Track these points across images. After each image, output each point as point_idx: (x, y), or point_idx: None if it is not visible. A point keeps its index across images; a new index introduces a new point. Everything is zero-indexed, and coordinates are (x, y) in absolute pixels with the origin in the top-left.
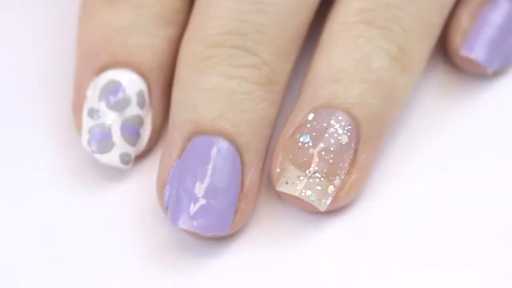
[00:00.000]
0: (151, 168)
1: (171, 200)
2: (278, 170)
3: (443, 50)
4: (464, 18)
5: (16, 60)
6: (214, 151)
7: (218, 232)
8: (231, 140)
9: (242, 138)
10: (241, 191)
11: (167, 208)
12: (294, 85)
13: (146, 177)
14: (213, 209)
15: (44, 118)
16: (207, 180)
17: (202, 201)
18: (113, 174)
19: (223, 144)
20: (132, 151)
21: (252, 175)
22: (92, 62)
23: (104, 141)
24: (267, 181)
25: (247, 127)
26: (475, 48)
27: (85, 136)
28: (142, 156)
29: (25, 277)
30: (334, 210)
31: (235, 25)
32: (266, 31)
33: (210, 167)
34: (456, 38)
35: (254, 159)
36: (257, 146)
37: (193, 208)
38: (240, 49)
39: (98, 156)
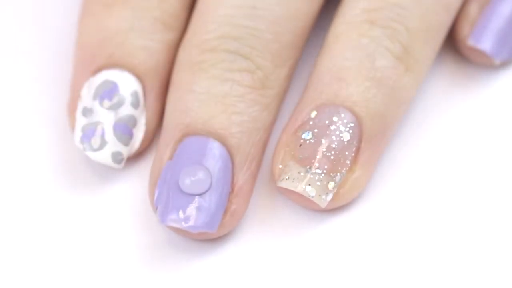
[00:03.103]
0: (145, 170)
1: (160, 198)
2: (280, 166)
3: (451, 40)
4: (472, 8)
5: (16, 60)
6: (204, 151)
7: (206, 230)
8: (222, 141)
9: (233, 139)
10: (231, 192)
11: (157, 208)
12: (296, 85)
13: (140, 179)
14: (201, 208)
15: (41, 118)
16: (196, 179)
17: (191, 200)
18: (107, 175)
19: (213, 145)
20: (125, 151)
21: (243, 176)
22: (89, 63)
23: (96, 139)
24: (267, 181)
25: (238, 129)
26: (482, 38)
27: (78, 134)
28: (137, 157)
29: (19, 276)
30: (336, 209)
31: (229, 30)
32: (260, 36)
33: (200, 167)
34: (464, 28)
35: (246, 160)
36: (249, 147)
37: (182, 207)
38: (234, 53)
39: (89, 153)
